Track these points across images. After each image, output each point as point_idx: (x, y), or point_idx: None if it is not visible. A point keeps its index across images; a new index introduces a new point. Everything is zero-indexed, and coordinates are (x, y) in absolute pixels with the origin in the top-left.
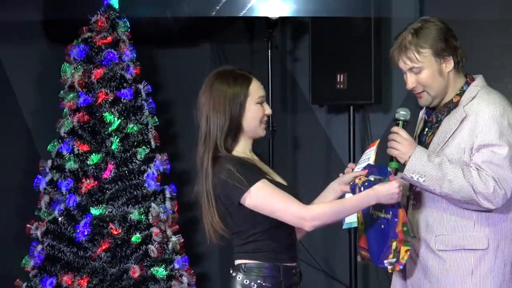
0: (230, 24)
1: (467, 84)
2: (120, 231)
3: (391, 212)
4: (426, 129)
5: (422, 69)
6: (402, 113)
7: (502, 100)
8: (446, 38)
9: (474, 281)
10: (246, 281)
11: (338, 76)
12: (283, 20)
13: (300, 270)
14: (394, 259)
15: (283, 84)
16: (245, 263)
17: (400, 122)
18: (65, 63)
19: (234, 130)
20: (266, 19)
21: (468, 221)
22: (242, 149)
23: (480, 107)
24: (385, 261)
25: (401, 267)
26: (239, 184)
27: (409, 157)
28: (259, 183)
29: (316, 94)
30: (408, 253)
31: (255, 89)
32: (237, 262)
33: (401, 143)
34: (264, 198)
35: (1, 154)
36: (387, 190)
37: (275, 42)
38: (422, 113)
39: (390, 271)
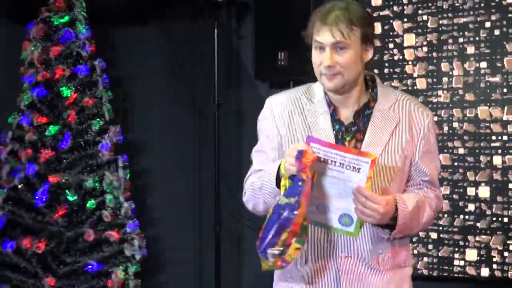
0: (179, 3)
1: (371, 81)
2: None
3: (296, 197)
4: (340, 133)
5: (347, 48)
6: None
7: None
8: (372, 25)
9: None
10: None
11: (279, 54)
12: (228, 1)
13: None
14: (278, 252)
15: (229, 60)
16: None
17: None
18: (24, 41)
19: None
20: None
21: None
22: None
23: (415, 115)
24: (268, 250)
25: (284, 264)
26: None
27: (390, 219)
28: None
29: (259, 70)
30: (298, 252)
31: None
32: None
33: (378, 208)
34: None
35: None
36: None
37: (221, 21)
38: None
39: (268, 266)
